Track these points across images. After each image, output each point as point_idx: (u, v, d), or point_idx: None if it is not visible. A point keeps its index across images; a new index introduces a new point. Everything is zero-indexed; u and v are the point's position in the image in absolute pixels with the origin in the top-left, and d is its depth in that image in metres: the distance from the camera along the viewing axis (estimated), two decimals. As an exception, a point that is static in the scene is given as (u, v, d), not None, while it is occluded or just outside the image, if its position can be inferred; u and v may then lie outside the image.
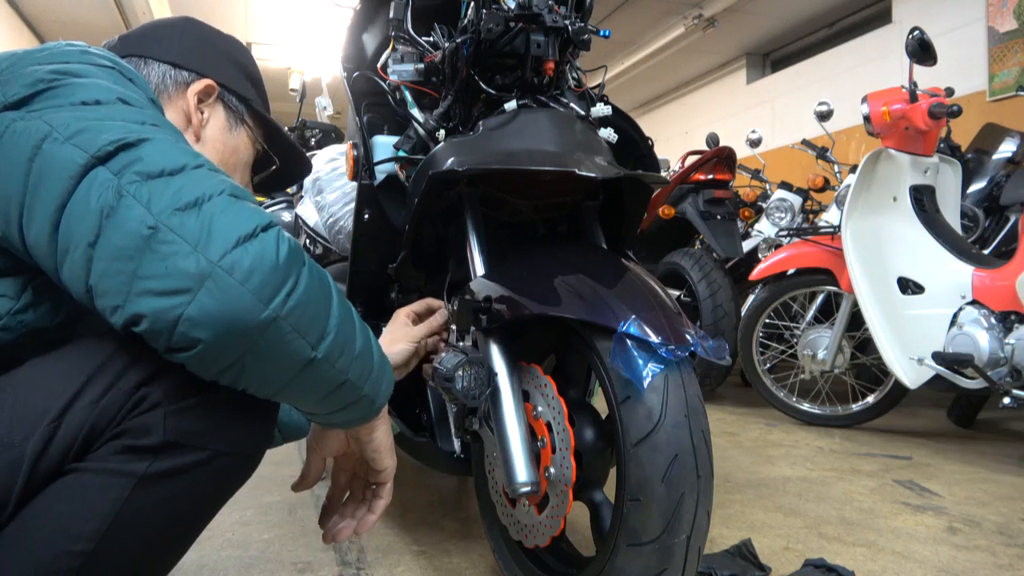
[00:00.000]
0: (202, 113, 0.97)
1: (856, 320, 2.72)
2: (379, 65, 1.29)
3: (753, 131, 4.24)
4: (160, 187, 0.63)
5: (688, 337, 0.95)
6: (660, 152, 2.09)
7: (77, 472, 0.65)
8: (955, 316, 2.39)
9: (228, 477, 0.74)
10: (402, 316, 1.22)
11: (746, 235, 3.90)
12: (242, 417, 0.72)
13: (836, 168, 3.50)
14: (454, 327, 1.12)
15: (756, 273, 3.05)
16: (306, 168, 1.17)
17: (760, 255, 3.53)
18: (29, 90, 0.68)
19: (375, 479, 0.90)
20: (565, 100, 1.22)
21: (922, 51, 2.46)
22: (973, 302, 2.37)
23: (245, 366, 0.64)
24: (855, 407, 2.87)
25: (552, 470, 1.02)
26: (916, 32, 2.47)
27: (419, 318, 1.23)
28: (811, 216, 3.80)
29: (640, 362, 0.92)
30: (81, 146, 0.65)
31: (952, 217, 2.69)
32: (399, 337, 1.17)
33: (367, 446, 0.85)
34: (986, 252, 2.83)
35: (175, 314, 0.60)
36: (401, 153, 1.26)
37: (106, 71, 0.75)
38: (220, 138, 0.99)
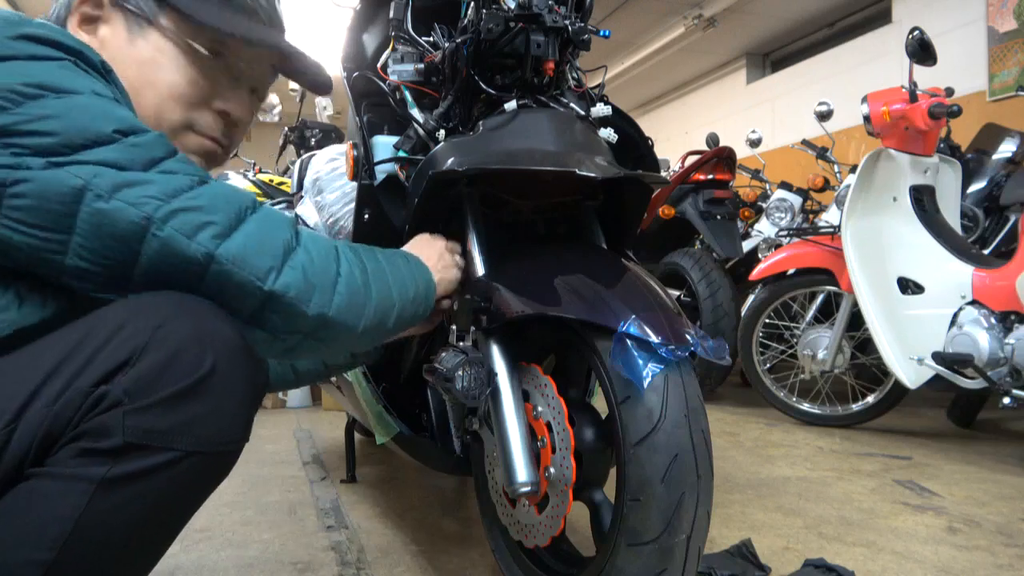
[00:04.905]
0: (94, 34, 0.82)
1: (856, 320, 2.73)
2: (379, 65, 1.29)
3: (753, 131, 4.24)
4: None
5: (688, 337, 0.95)
6: (660, 152, 2.08)
7: (36, 477, 0.62)
8: (955, 316, 2.39)
9: (201, 478, 0.69)
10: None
11: (746, 235, 3.90)
12: (213, 412, 0.67)
13: (836, 168, 3.50)
14: (454, 327, 1.12)
15: (756, 273, 3.05)
16: (274, 37, 0.92)
17: (760, 255, 3.53)
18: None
19: None
20: (565, 100, 1.21)
21: (922, 51, 2.46)
22: (973, 302, 2.37)
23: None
24: (855, 407, 2.87)
25: (552, 470, 1.02)
26: (916, 32, 2.47)
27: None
28: (811, 216, 3.80)
29: (640, 362, 0.92)
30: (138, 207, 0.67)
31: (952, 217, 2.69)
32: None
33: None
34: (986, 252, 2.83)
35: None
36: (401, 153, 1.26)
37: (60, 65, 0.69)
38: (123, 57, 0.81)
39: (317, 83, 1.01)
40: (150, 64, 0.83)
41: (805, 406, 2.98)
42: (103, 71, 0.73)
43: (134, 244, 0.67)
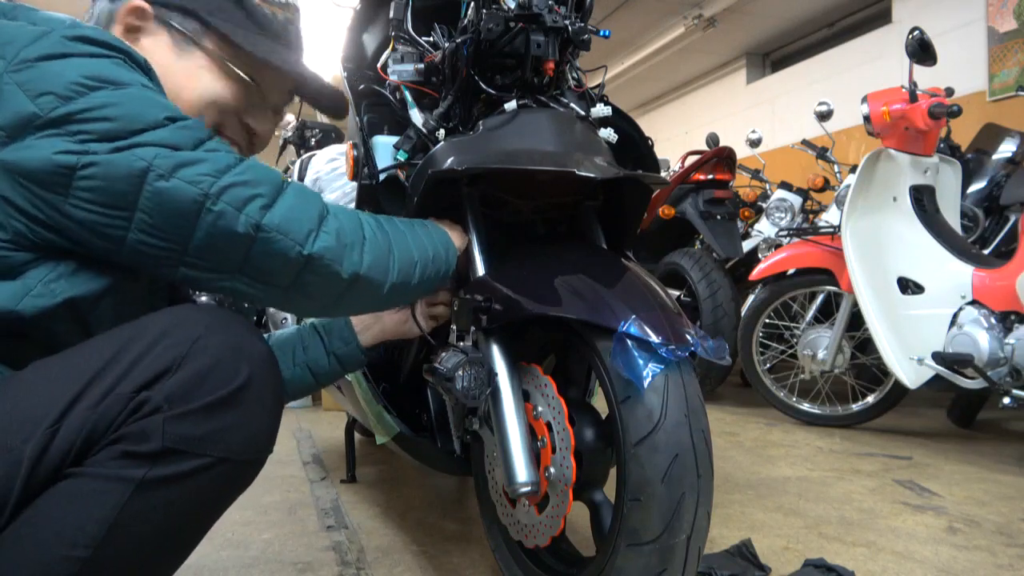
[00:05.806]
0: (136, 43, 0.88)
1: (856, 320, 2.72)
2: (379, 65, 1.29)
3: (753, 131, 4.23)
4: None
5: (688, 337, 0.95)
6: (660, 152, 2.08)
7: (75, 477, 0.64)
8: (955, 316, 2.39)
9: (229, 484, 0.73)
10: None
11: (746, 235, 3.90)
12: (245, 422, 0.71)
13: (836, 168, 3.50)
14: (454, 327, 1.12)
15: (756, 273, 3.05)
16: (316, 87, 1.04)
17: (760, 255, 3.53)
18: (67, 105, 0.70)
19: None
20: (565, 100, 1.21)
21: (922, 51, 2.46)
22: (973, 302, 2.37)
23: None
24: (855, 407, 2.87)
25: (552, 470, 1.02)
26: (916, 32, 2.47)
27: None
28: (811, 216, 3.80)
29: (640, 362, 0.92)
30: (197, 185, 0.73)
31: (952, 217, 2.69)
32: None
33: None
34: (986, 252, 2.83)
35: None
36: (402, 156, 1.26)
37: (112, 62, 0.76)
38: (169, 65, 0.89)
39: (334, 107, 1.10)
40: (195, 74, 0.91)
41: (805, 406, 2.98)
42: (145, 68, 0.80)
43: (191, 217, 0.74)
